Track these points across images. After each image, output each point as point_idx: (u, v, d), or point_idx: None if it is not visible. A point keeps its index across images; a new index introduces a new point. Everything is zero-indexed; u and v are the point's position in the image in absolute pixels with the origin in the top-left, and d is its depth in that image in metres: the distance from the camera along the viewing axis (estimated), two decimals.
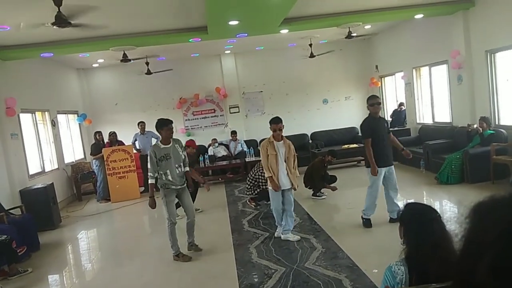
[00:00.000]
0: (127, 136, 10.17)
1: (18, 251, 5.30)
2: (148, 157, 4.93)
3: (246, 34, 8.07)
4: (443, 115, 9.15)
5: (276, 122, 5.17)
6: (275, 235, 5.48)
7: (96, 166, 9.44)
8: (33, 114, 8.58)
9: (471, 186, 6.82)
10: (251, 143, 10.94)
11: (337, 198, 7.27)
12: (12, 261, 5.11)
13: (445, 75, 8.78)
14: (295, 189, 5.34)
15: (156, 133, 8.47)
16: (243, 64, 12.04)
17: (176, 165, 4.98)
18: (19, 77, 8.12)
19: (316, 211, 6.75)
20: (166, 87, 11.58)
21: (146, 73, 10.23)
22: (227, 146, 11.04)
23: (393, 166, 5.50)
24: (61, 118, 10.01)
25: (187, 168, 5.17)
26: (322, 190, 7.48)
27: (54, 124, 9.31)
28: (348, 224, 5.75)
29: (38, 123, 8.72)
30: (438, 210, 5.67)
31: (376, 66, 11.97)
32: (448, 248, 1.46)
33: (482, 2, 7.41)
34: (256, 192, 7.03)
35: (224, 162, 10.30)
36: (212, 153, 10.68)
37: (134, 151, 9.53)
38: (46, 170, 8.67)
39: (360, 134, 5.77)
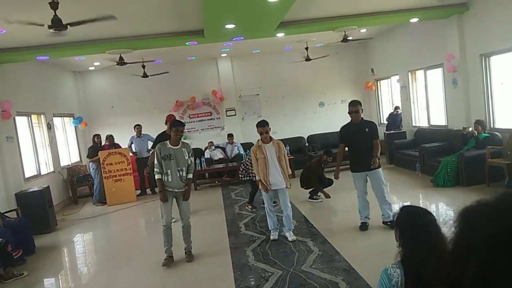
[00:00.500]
0: (123, 139, 10.16)
1: (13, 254, 5.27)
2: (155, 154, 5.04)
3: (243, 38, 8.10)
4: (439, 118, 9.21)
5: (262, 125, 5.34)
6: (271, 238, 5.49)
7: (93, 169, 9.41)
8: (29, 117, 8.56)
9: (466, 189, 6.86)
10: (248, 146, 10.91)
11: (334, 201, 7.29)
12: (7, 264, 5.08)
13: (440, 78, 8.85)
14: (287, 187, 5.39)
15: (153, 136, 8.47)
16: (240, 67, 12.07)
17: (178, 168, 4.95)
18: (15, 80, 8.10)
19: (313, 214, 6.76)
20: (162, 90, 11.58)
21: (143, 76, 10.23)
22: (223, 149, 11.05)
23: (376, 173, 5.36)
24: (57, 121, 9.98)
25: (190, 175, 5.07)
26: (318, 194, 7.49)
27: (50, 127, 9.28)
28: (345, 227, 5.77)
29: (33, 126, 8.69)
30: (434, 213, 5.70)
31: (372, 70, 12.04)
32: (444, 251, 1.47)
33: (476, 6, 7.48)
34: (246, 179, 7.12)
35: (221, 165, 10.30)
36: (209, 156, 10.68)
37: (130, 154, 9.52)
38: (42, 173, 8.63)
39: None
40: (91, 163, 9.50)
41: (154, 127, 8.99)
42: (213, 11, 6.00)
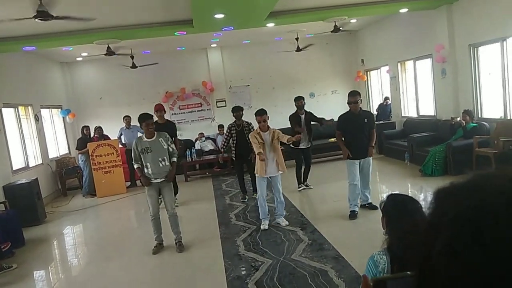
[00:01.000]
0: (112, 130, 10.07)
1: (2, 247, 5.24)
2: (132, 147, 5.12)
3: (232, 28, 8.04)
4: (427, 109, 9.28)
5: (260, 114, 5.61)
6: (262, 227, 5.54)
7: (82, 161, 9.34)
8: (16, 109, 8.43)
9: (454, 178, 6.87)
10: None
11: (324, 190, 7.35)
12: None
13: (429, 69, 8.90)
14: (283, 172, 5.61)
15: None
16: (230, 57, 12.00)
17: (160, 159, 5.00)
18: (0, 71, 7.95)
19: (303, 204, 6.82)
20: (151, 81, 11.48)
21: (131, 67, 10.12)
22: (214, 140, 11.02)
23: (369, 160, 5.70)
24: (44, 112, 9.85)
25: (174, 159, 5.16)
26: (308, 183, 7.53)
27: (37, 118, 9.15)
28: (335, 216, 5.82)
29: (21, 118, 8.56)
30: (422, 202, 5.76)
31: (362, 60, 12.06)
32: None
33: None
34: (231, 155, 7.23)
35: (211, 156, 10.29)
36: (199, 147, 10.65)
37: (120, 146, 9.45)
38: (30, 166, 8.54)
39: None
40: (80, 155, 9.42)
41: None
42: (202, 0, 5.94)
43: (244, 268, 4.35)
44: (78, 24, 6.64)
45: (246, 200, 7.23)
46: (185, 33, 7.86)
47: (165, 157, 5.03)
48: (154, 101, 10.90)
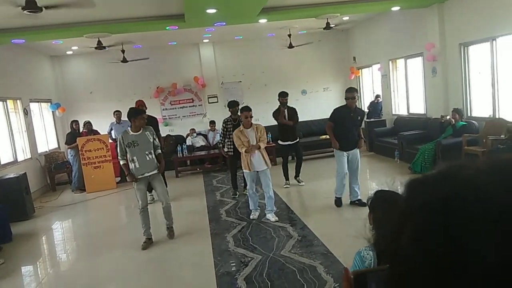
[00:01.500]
0: (102, 125, 9.99)
1: None
2: (117, 142, 5.13)
3: (224, 23, 8.01)
4: (418, 107, 9.36)
5: (247, 110, 5.73)
6: (251, 217, 5.67)
7: (71, 156, 9.25)
8: (4, 102, 8.32)
9: None
10: None
11: (314, 187, 7.37)
12: None
13: (420, 67, 8.96)
14: (268, 167, 5.69)
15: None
16: (222, 53, 11.96)
17: (146, 152, 5.06)
18: None
19: (293, 200, 6.84)
20: (142, 75, 11.38)
21: (122, 61, 10.03)
22: (205, 136, 10.99)
23: (356, 152, 5.87)
24: (34, 106, 9.73)
25: (159, 151, 5.23)
26: (300, 179, 7.55)
27: (26, 112, 9.04)
28: (324, 212, 5.86)
29: (9, 111, 8.45)
30: None
31: (354, 58, 12.10)
32: None
33: None
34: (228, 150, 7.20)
35: (203, 152, 10.27)
36: (190, 143, 10.61)
37: (110, 141, 9.38)
38: (18, 160, 8.44)
39: None
40: (69, 150, 9.32)
41: None
42: None
43: (233, 264, 4.35)
44: (68, 17, 6.56)
45: (237, 196, 7.23)
46: (177, 27, 7.82)
47: (151, 151, 5.10)
48: (145, 96, 10.86)
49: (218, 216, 6.21)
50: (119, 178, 9.47)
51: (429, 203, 0.44)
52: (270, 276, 3.94)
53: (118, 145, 5.09)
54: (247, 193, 5.87)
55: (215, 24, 8.07)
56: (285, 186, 7.47)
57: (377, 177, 7.97)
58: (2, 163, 7.74)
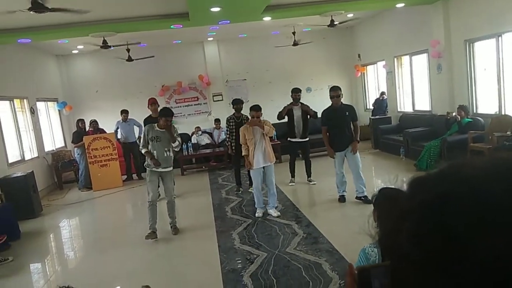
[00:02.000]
0: (108, 123, 10.05)
1: None
2: (142, 133, 5.51)
3: (229, 21, 8.02)
4: (423, 104, 9.32)
5: (256, 110, 5.75)
6: (256, 215, 5.70)
7: (78, 154, 9.32)
8: (11, 102, 8.39)
9: None
10: None
11: (320, 185, 7.37)
12: None
13: (425, 64, 8.92)
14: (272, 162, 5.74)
15: (138, 121, 8.57)
16: (226, 51, 11.97)
17: (166, 149, 5.34)
18: None
19: (298, 198, 6.85)
20: (148, 74, 11.43)
21: (127, 60, 10.07)
22: (210, 134, 11.02)
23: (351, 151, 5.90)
24: (40, 105, 9.81)
25: (176, 144, 5.39)
26: (312, 179, 7.49)
27: (33, 111, 9.12)
28: (330, 210, 5.88)
29: (16, 110, 8.53)
30: None
31: (359, 55, 12.07)
32: None
33: None
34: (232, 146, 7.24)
35: (208, 150, 10.30)
36: (196, 141, 10.65)
37: (116, 140, 9.43)
38: (25, 159, 8.52)
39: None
40: (76, 149, 9.40)
41: (140, 112, 8.92)
42: None
43: (239, 261, 4.39)
44: (73, 17, 6.61)
45: (240, 192, 7.27)
46: (181, 26, 7.84)
47: (170, 148, 5.37)
48: (151, 94, 10.88)
49: (224, 214, 6.24)
50: (125, 176, 9.54)
51: (427, 200, 0.45)
52: (275, 273, 3.96)
53: (142, 136, 5.47)
54: (253, 191, 5.89)
55: (219, 23, 8.08)
56: (290, 184, 7.48)
57: (382, 175, 7.96)
58: (9, 162, 7.82)
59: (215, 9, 6.82)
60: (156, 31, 8.48)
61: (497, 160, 0.48)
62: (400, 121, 9.78)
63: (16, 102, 8.62)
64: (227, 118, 7.32)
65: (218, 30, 9.84)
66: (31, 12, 4.99)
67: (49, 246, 6.22)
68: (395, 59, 10.05)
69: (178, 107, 11.86)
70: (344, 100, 6.16)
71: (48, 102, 10.33)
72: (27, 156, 8.66)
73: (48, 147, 9.81)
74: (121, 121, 9.61)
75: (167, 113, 5.36)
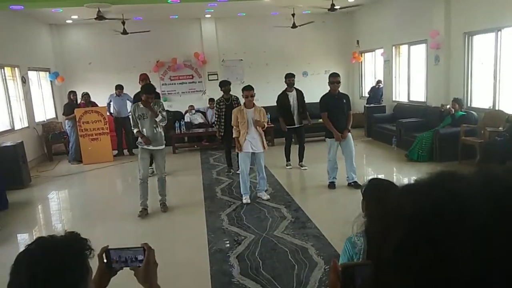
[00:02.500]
0: (100, 96, 9.91)
1: None
2: (130, 113, 5.54)
3: None
4: (419, 94, 9.32)
5: (248, 89, 5.66)
6: (244, 201, 5.66)
7: (69, 126, 9.22)
8: (2, 69, 8.22)
9: (439, 165, 7.06)
10: None
11: (311, 170, 7.40)
12: None
13: (423, 54, 8.88)
14: (264, 148, 5.70)
15: (131, 96, 8.46)
16: (224, 30, 11.79)
17: (154, 125, 5.32)
18: None
19: (289, 182, 6.89)
20: (142, 49, 11.24)
21: (122, 33, 9.88)
22: (204, 114, 10.96)
23: (349, 137, 5.99)
24: (32, 75, 9.63)
25: (160, 118, 5.33)
26: (303, 164, 7.51)
27: (24, 80, 8.96)
28: (319, 195, 5.93)
29: (7, 79, 8.37)
30: None
31: (357, 41, 11.97)
32: None
33: None
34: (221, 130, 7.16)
35: (200, 130, 10.26)
36: (189, 120, 10.59)
37: (108, 113, 9.32)
38: (15, 128, 8.42)
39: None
40: (66, 121, 9.29)
41: (133, 87, 8.78)
42: None
43: (227, 242, 4.42)
44: None
45: (231, 174, 7.27)
46: (179, 1, 7.68)
47: (158, 124, 5.34)
48: (144, 69, 10.71)
49: (214, 194, 6.26)
50: (116, 151, 9.49)
51: (415, 213, 0.45)
52: (262, 256, 4.00)
53: (131, 116, 5.48)
54: (240, 176, 5.74)
55: (218, 0, 7.93)
56: (288, 167, 7.49)
57: (373, 163, 8.02)
58: None
59: None
60: (152, 5, 8.31)
61: (487, 176, 0.47)
62: (394, 111, 9.80)
63: (7, 70, 8.46)
64: (217, 100, 7.26)
65: (216, 7, 9.66)
66: None
67: (37, 217, 6.21)
68: (394, 47, 10.00)
69: (172, 84, 11.75)
70: (340, 86, 6.14)
71: (40, 72, 10.16)
72: (17, 126, 8.55)
73: (39, 117, 9.69)
74: (115, 95, 9.49)
75: (148, 90, 5.31)
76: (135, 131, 5.43)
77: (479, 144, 6.57)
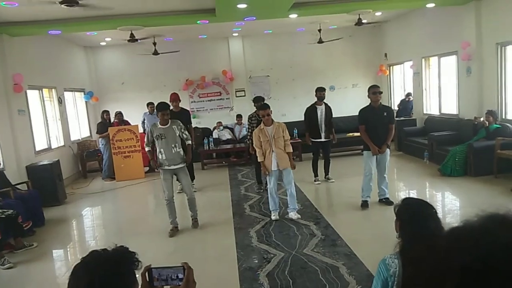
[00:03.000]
0: (133, 115, 10.22)
1: (23, 225, 5.43)
2: (146, 132, 5.53)
3: (255, 18, 8.00)
4: (450, 107, 9.09)
5: (263, 108, 5.56)
6: (272, 218, 5.62)
7: (102, 144, 9.52)
8: (40, 91, 8.63)
9: (473, 179, 6.83)
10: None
11: (340, 185, 7.32)
12: (18, 235, 5.24)
13: (454, 66, 8.69)
14: (293, 168, 5.60)
15: None
16: (251, 47, 11.96)
17: (172, 145, 5.31)
18: (26, 54, 8.14)
19: (318, 198, 6.82)
20: (172, 68, 11.55)
21: (153, 54, 10.20)
22: (232, 130, 11.07)
23: (386, 152, 5.76)
24: (67, 95, 10.05)
25: (188, 142, 5.48)
26: (330, 176, 7.51)
27: (60, 101, 9.36)
28: (349, 212, 5.82)
29: (45, 100, 8.77)
30: (439, 202, 5.70)
31: (385, 54, 11.85)
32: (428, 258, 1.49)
33: None
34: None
35: (228, 146, 10.35)
36: (217, 136, 10.72)
37: (141, 131, 9.57)
38: (52, 147, 8.77)
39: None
40: (100, 139, 9.60)
41: None
42: None
43: (256, 260, 4.40)
44: (102, 10, 6.73)
45: (262, 191, 7.26)
46: (208, 22, 7.87)
47: (176, 144, 5.34)
48: (175, 88, 11.02)
49: (242, 211, 6.27)
50: (147, 168, 9.68)
51: (469, 266, 0.44)
52: (292, 274, 3.96)
53: (146, 135, 5.49)
54: (269, 192, 5.70)
55: (245, 19, 8.08)
56: (316, 183, 7.45)
57: (405, 178, 7.83)
58: (37, 149, 8.06)
59: (242, 6, 6.82)
60: (182, 26, 8.55)
61: None
62: (426, 124, 9.58)
63: (45, 91, 8.87)
64: (249, 115, 7.31)
65: (243, 26, 9.84)
66: (63, 5, 5.11)
67: (71, 233, 6.40)
68: (423, 59, 9.83)
69: (201, 101, 11.96)
70: (367, 100, 5.99)
71: (75, 93, 10.58)
72: (54, 145, 8.91)
73: (74, 136, 10.07)
74: (148, 113, 9.74)
75: (162, 107, 5.34)
76: (146, 149, 5.50)
77: None
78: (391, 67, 11.83)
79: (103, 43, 11.03)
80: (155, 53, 10.17)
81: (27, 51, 8.20)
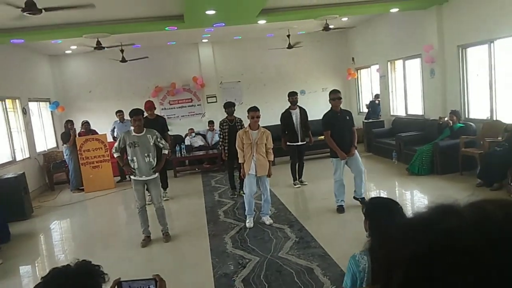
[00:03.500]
0: (101, 124, 10.00)
1: None
2: (118, 138, 5.35)
3: (224, 24, 8.02)
4: (416, 108, 9.39)
5: (254, 110, 5.59)
6: (247, 225, 5.57)
7: (67, 155, 9.20)
8: (3, 102, 8.32)
9: (440, 177, 7.06)
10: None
11: (313, 188, 7.40)
12: None
13: (418, 68, 8.99)
14: (269, 176, 5.61)
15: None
16: (221, 53, 11.97)
17: (146, 154, 5.14)
18: None
19: (291, 201, 6.86)
20: (141, 75, 11.39)
21: (121, 61, 10.03)
22: (204, 136, 11.01)
23: (356, 155, 5.77)
24: (32, 106, 9.73)
25: (165, 151, 5.36)
26: (303, 179, 7.60)
27: (25, 112, 9.04)
28: (322, 214, 5.88)
29: (8, 111, 8.45)
30: (408, 201, 5.86)
31: (353, 59, 12.13)
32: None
33: None
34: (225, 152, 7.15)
35: (201, 152, 10.29)
36: (189, 143, 10.63)
37: (111, 140, 9.35)
38: (17, 159, 8.45)
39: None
40: (64, 149, 9.28)
41: None
42: None
43: (231, 265, 4.38)
44: (67, 18, 6.57)
45: (236, 196, 7.25)
46: (176, 28, 7.83)
47: (150, 153, 5.17)
48: (144, 95, 10.87)
49: (216, 217, 6.23)
50: (118, 178, 9.49)
51: (415, 254, 0.46)
52: (267, 278, 3.96)
53: (117, 141, 5.26)
54: (245, 198, 5.67)
55: (214, 25, 8.08)
56: (296, 186, 7.49)
57: (375, 178, 7.98)
58: (0, 162, 7.75)
59: (211, 12, 6.83)
60: (150, 33, 8.46)
61: (482, 211, 0.49)
62: (393, 125, 9.84)
63: (8, 102, 8.56)
64: (220, 121, 7.32)
65: (212, 32, 9.84)
66: (25, 13, 4.95)
67: (39, 248, 6.17)
68: (389, 63, 10.12)
69: (171, 108, 11.84)
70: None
71: (40, 103, 10.26)
72: (18, 157, 8.59)
73: (40, 147, 9.73)
74: (118, 121, 9.54)
75: (136, 112, 5.17)
76: (115, 155, 5.31)
77: (479, 155, 6.58)
78: (359, 70, 12.11)
79: (68, 51, 10.76)
80: (123, 60, 10.01)
81: None
